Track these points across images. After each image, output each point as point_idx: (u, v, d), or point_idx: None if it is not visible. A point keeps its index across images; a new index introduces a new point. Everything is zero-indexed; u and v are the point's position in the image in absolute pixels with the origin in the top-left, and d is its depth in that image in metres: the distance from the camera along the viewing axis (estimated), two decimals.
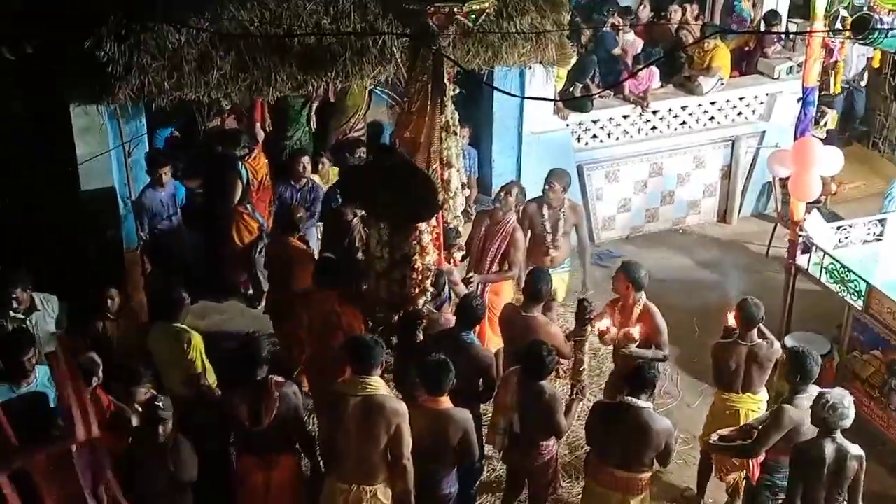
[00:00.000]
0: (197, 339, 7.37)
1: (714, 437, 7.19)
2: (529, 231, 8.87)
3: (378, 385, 6.43)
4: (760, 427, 6.88)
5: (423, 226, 7.37)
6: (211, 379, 7.48)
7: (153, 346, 7.47)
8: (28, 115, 8.80)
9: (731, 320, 7.49)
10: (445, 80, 7.19)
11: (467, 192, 8.12)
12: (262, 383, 6.64)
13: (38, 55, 8.20)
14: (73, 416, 5.36)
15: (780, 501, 6.85)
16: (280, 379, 6.74)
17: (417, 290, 7.54)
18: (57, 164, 8.80)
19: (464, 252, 8.44)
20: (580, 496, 7.21)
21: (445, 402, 6.57)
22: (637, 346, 7.52)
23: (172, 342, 7.36)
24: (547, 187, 8.76)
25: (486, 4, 7.04)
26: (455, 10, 6.82)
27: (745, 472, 7.39)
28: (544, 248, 8.88)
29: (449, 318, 7.68)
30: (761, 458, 6.99)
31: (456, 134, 7.55)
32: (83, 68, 8.22)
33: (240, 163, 9.35)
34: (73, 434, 5.36)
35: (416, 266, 7.45)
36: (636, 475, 6.65)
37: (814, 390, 6.62)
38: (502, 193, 8.58)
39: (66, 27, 8.17)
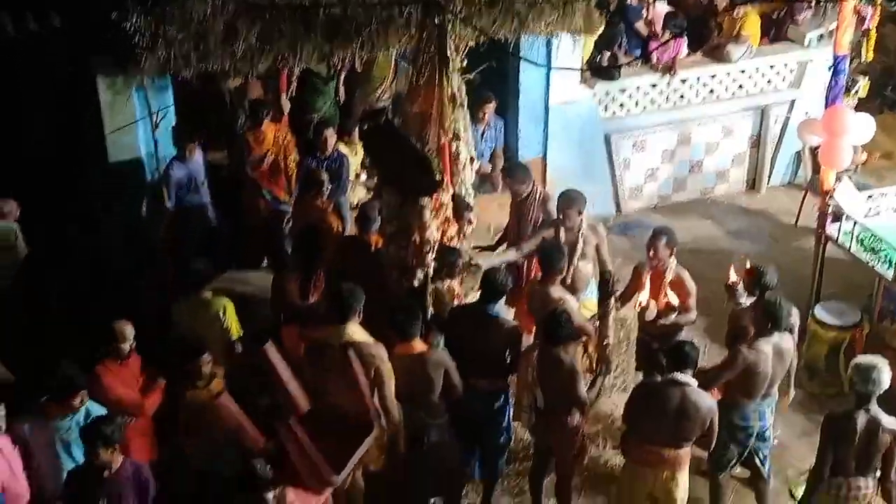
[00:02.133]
0: (230, 306, 7.39)
1: None
2: None
3: (355, 331, 6.60)
4: (715, 366, 7.08)
5: (424, 200, 7.27)
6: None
7: (182, 319, 7.46)
8: (55, 87, 8.87)
9: (733, 275, 7.54)
10: (450, 53, 7.09)
11: (477, 164, 8.09)
12: (314, 268, 7.61)
13: (65, 27, 8.23)
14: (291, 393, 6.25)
15: (741, 439, 7.06)
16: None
17: (415, 262, 7.45)
18: (85, 136, 8.89)
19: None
20: (621, 476, 7.09)
21: (418, 346, 6.75)
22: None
23: (203, 313, 7.37)
24: (561, 216, 8.15)
25: None
26: None
27: None
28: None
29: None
30: (717, 396, 7.02)
31: (463, 106, 7.46)
32: (109, 40, 8.28)
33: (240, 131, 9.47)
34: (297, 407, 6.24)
35: (413, 238, 7.36)
36: (683, 451, 6.65)
37: (778, 336, 6.87)
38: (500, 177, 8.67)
39: None
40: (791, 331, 7.28)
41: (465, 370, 6.90)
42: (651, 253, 7.82)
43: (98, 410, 6.41)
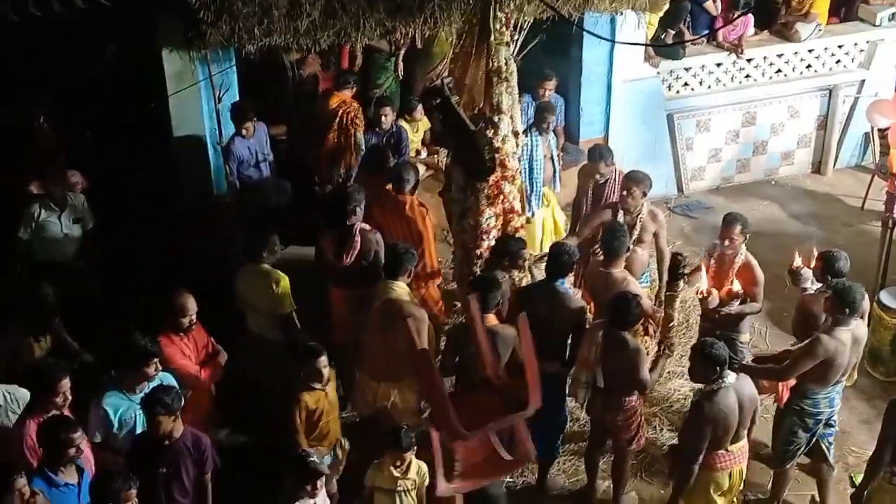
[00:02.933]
0: (284, 280, 7.43)
1: (748, 358, 7.21)
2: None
3: (400, 290, 7.02)
4: (795, 353, 6.89)
5: (480, 184, 7.39)
6: None
7: (241, 288, 7.56)
8: (123, 60, 9.06)
9: (798, 260, 7.43)
10: (494, 25, 7.10)
11: (524, 139, 8.17)
12: (348, 228, 7.61)
13: (132, 1, 8.29)
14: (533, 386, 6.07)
15: (810, 426, 6.98)
16: (367, 226, 7.69)
17: (471, 246, 7.59)
18: (150, 109, 9.00)
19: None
20: (698, 483, 6.71)
21: (492, 319, 6.77)
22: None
23: (260, 283, 7.42)
24: (625, 193, 8.08)
25: None
26: None
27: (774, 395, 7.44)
28: None
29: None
30: (791, 382, 7.01)
31: (507, 80, 7.42)
32: (175, 13, 8.39)
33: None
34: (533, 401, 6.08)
35: (469, 221, 7.52)
36: (746, 439, 6.66)
37: (855, 324, 6.73)
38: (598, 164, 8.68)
39: None
40: (862, 316, 7.17)
41: None
42: (725, 240, 7.64)
43: (171, 380, 6.48)
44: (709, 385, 6.34)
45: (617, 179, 8.60)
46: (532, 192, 9.06)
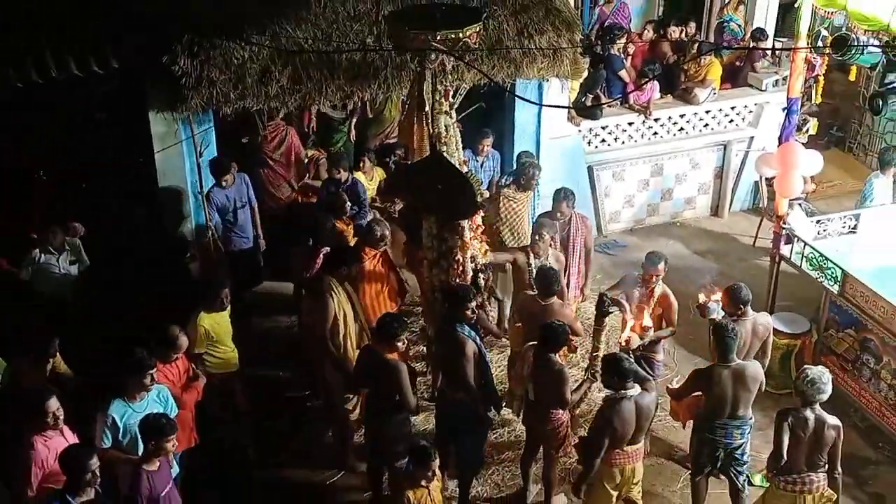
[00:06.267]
0: (198, 327, 7.46)
1: (661, 375, 7.50)
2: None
3: (327, 285, 7.63)
4: (683, 382, 7.25)
5: (465, 222, 7.41)
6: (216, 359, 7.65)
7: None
8: (113, 122, 9.09)
9: (702, 297, 7.61)
10: (436, 97, 7.25)
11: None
12: (310, 249, 8.18)
13: (122, 69, 8.51)
14: None
15: (708, 451, 7.15)
16: (327, 249, 8.04)
17: (459, 281, 7.55)
18: (137, 165, 9.12)
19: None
20: (596, 475, 6.84)
21: (391, 353, 6.93)
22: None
23: (190, 327, 7.48)
24: (537, 237, 8.30)
25: (466, 34, 6.86)
26: (429, 37, 6.79)
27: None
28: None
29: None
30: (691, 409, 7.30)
31: (447, 145, 7.45)
32: (161, 81, 8.59)
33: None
34: None
35: (457, 258, 7.49)
36: (641, 443, 6.83)
37: (738, 363, 6.88)
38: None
39: (146, 45, 8.51)
40: (766, 340, 7.52)
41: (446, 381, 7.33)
42: (654, 276, 7.76)
43: (166, 391, 6.75)
44: (614, 393, 6.55)
45: (578, 221, 8.81)
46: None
